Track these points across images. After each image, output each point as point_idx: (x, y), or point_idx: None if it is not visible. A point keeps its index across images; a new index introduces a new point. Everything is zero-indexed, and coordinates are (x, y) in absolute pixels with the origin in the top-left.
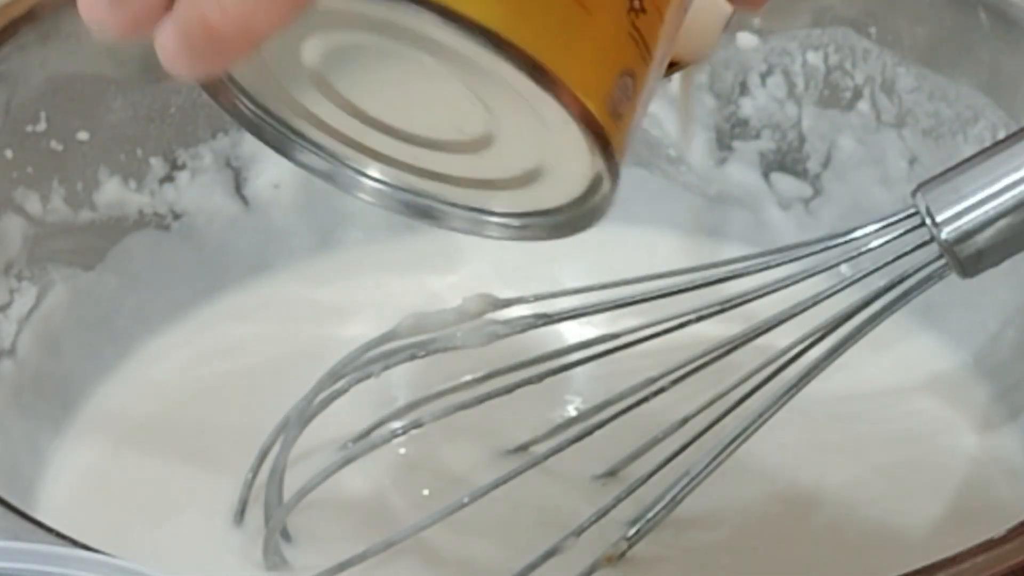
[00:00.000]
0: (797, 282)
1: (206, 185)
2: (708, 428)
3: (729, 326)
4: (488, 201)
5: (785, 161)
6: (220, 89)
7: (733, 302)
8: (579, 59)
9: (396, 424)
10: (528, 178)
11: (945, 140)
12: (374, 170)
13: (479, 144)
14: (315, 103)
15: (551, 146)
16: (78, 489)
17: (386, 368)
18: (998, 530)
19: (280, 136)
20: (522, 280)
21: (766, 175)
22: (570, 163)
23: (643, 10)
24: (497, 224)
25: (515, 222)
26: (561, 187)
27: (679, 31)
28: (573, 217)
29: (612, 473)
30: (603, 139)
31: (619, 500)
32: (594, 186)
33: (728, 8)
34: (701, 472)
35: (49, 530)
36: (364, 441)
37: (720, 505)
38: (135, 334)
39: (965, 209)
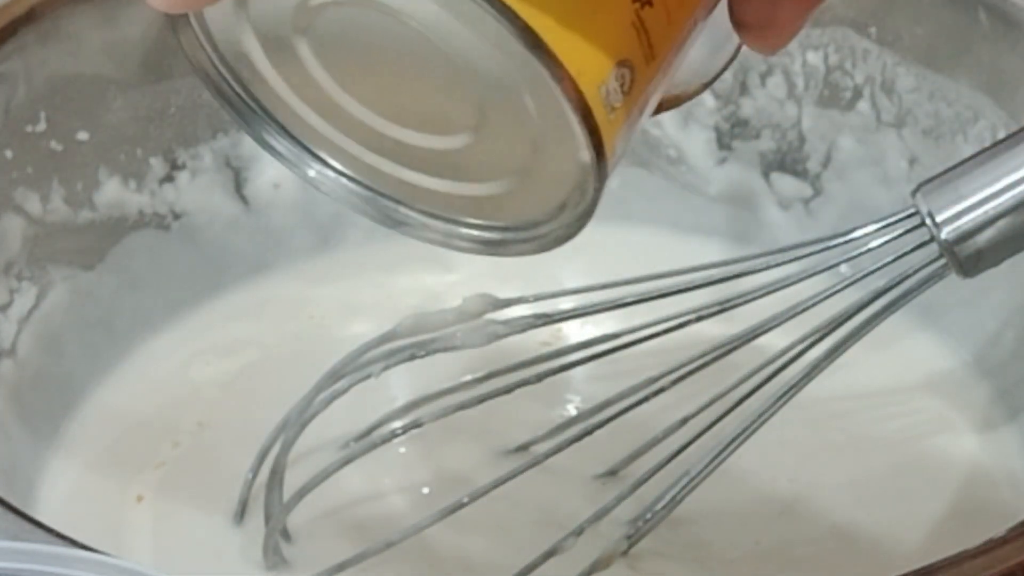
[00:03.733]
0: (797, 282)
1: (206, 185)
2: (708, 428)
3: (729, 326)
4: (464, 211)
5: (785, 161)
6: (193, 48)
7: (733, 302)
8: (576, 35)
9: (396, 424)
10: (509, 182)
11: (945, 140)
12: (342, 163)
13: (461, 141)
14: (292, 74)
15: (537, 139)
16: (78, 489)
17: (386, 368)
18: (998, 530)
19: (247, 109)
20: (522, 280)
21: (766, 175)
22: (554, 159)
23: (650, 3)
24: (471, 236)
25: (490, 235)
26: (542, 193)
27: (687, 51)
28: (552, 229)
29: (612, 473)
30: (591, 123)
31: (619, 500)
32: (576, 192)
33: (736, 41)
34: (701, 472)
35: (49, 530)
36: (364, 441)
37: (720, 504)
38: (135, 334)
39: (965, 209)
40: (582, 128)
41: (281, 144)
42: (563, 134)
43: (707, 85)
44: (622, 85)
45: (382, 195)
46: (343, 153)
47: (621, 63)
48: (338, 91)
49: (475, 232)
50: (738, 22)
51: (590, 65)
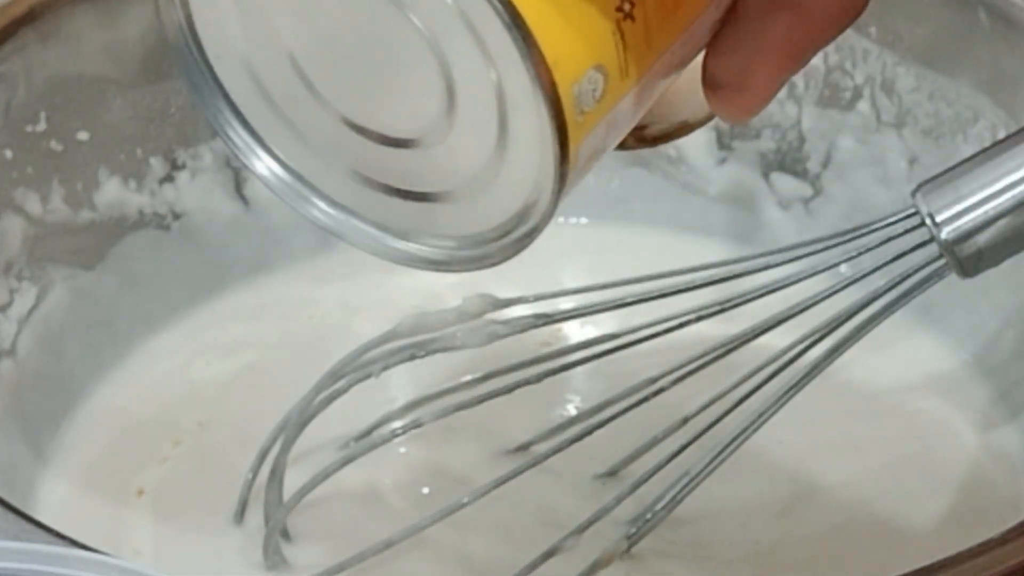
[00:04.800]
0: (797, 282)
1: (206, 185)
2: (708, 428)
3: (729, 326)
4: (416, 224)
5: (785, 161)
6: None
7: (733, 302)
8: (558, 25)
9: (396, 424)
10: (466, 189)
11: (945, 140)
12: (295, 162)
13: (425, 138)
14: (263, 52)
15: (500, 137)
16: (78, 489)
17: (386, 368)
18: (998, 530)
19: (207, 87)
20: (522, 280)
21: (766, 175)
22: (516, 162)
23: (632, 17)
24: (418, 252)
25: (438, 252)
26: (496, 204)
27: (660, 86)
28: (499, 248)
29: (612, 473)
30: (560, 120)
31: (619, 500)
32: (532, 202)
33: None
34: (701, 472)
35: (49, 530)
36: (364, 441)
37: (720, 504)
38: (135, 334)
39: (965, 209)
40: (551, 123)
41: (236, 132)
42: (529, 130)
43: (713, 115)
44: (594, 91)
45: (332, 202)
46: (297, 151)
47: (597, 67)
48: (308, 66)
49: (423, 247)
50: (709, 81)
51: (567, 58)
